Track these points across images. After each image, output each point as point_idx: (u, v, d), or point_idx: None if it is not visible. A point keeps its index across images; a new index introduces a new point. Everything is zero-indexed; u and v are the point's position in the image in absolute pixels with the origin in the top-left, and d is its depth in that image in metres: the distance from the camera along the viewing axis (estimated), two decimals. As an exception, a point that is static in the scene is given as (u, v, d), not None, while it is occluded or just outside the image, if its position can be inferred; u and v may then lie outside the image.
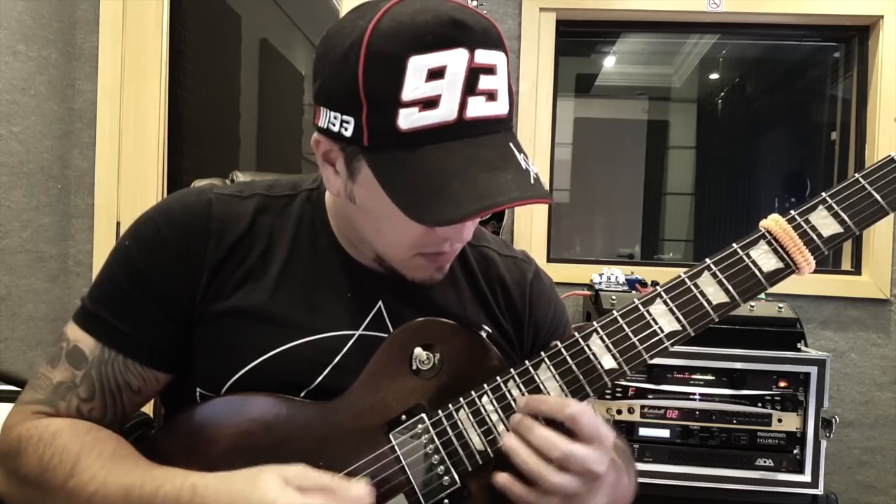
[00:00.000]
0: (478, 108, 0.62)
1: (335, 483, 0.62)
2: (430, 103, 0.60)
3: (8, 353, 1.87)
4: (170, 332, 0.74)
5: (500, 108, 0.64)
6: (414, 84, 0.60)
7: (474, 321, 0.80)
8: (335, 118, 0.65)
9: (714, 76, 3.50)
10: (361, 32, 0.62)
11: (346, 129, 0.64)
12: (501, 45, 0.65)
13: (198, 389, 0.74)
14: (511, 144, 0.66)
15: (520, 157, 0.65)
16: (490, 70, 0.63)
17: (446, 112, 0.61)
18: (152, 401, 1.01)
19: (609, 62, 3.42)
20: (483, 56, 0.62)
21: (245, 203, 0.78)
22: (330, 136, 0.67)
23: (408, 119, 0.61)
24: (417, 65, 0.60)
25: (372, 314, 0.77)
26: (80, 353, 0.72)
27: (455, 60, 0.60)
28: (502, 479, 0.66)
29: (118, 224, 2.15)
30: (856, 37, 2.26)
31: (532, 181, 0.64)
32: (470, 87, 0.61)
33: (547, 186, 2.22)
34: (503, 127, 0.66)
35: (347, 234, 0.77)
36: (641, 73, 3.59)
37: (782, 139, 3.25)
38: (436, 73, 0.60)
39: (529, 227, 2.20)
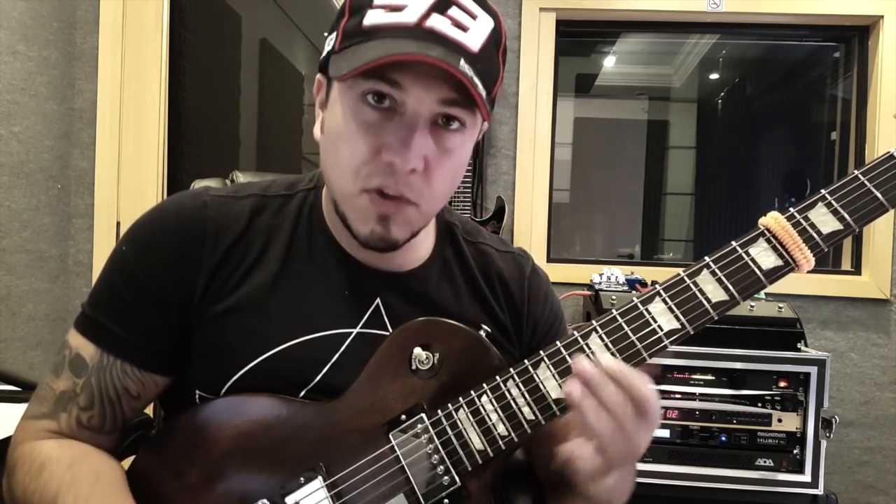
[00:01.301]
0: (440, 24, 0.63)
1: None
2: (396, 8, 0.64)
3: (8, 353, 1.87)
4: (168, 335, 0.73)
5: (466, 38, 0.64)
6: None
7: (471, 318, 0.80)
8: (328, 42, 0.70)
9: (714, 76, 3.50)
10: None
11: (330, 45, 0.69)
12: (490, 11, 0.67)
13: (197, 392, 0.73)
14: (464, 62, 0.63)
15: (465, 65, 0.63)
16: (468, 12, 0.65)
17: (408, 16, 0.63)
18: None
19: (609, 62, 3.42)
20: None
21: (241, 203, 0.77)
22: (322, 69, 0.71)
23: (372, 17, 0.64)
24: None
25: (370, 311, 0.77)
26: (82, 360, 0.72)
27: None
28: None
29: (118, 224, 2.15)
30: (856, 37, 2.26)
31: (469, 75, 0.62)
32: (438, 7, 0.64)
33: (546, 186, 2.23)
34: (465, 57, 0.64)
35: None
36: (641, 73, 3.59)
37: (782, 139, 3.25)
38: None
39: (529, 227, 2.20)
